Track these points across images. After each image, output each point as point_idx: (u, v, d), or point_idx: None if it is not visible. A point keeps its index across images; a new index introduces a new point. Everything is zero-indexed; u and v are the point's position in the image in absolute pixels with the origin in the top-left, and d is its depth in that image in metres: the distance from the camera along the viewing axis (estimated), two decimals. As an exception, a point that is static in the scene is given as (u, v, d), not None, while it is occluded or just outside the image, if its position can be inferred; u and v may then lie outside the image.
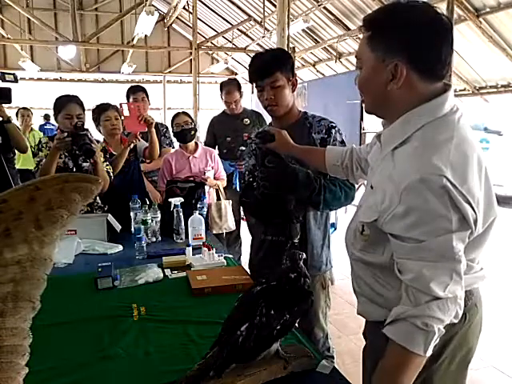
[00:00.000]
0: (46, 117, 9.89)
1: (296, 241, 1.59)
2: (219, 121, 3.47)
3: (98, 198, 2.37)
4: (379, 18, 0.98)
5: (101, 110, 2.66)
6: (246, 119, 3.35)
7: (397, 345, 0.89)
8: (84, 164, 2.32)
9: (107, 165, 2.39)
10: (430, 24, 0.92)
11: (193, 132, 2.83)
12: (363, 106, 1.09)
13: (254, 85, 1.69)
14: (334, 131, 1.68)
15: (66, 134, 2.13)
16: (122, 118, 2.71)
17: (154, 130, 2.77)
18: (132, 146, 2.63)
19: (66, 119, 2.25)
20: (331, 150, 1.44)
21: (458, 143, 0.90)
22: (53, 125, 9.53)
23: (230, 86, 3.34)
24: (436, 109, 0.94)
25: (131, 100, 3.17)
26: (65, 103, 2.28)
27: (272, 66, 1.62)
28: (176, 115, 2.88)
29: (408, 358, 0.88)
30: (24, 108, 5.62)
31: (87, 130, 2.19)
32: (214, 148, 3.38)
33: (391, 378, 0.91)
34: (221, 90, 3.37)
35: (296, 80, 1.69)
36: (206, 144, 3.44)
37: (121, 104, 2.75)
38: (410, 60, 0.92)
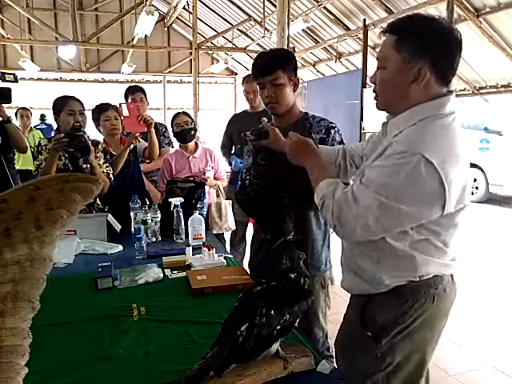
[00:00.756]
0: (42, 117, 9.90)
1: (290, 237, 1.58)
2: (237, 118, 3.44)
3: (98, 199, 2.37)
4: (406, 24, 1.10)
5: (100, 110, 2.66)
6: (264, 118, 3.33)
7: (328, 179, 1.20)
8: (84, 165, 2.32)
9: (107, 166, 2.39)
10: (449, 34, 1.07)
11: (193, 132, 2.83)
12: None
13: (256, 82, 1.70)
14: (333, 131, 1.69)
15: (62, 134, 2.13)
16: (122, 117, 2.71)
17: (153, 130, 2.77)
18: (132, 146, 2.63)
19: (69, 115, 2.25)
20: (324, 148, 1.49)
21: (449, 135, 1.06)
22: (46, 124, 9.53)
23: (250, 77, 3.36)
24: (440, 106, 1.08)
25: (129, 100, 3.17)
26: (66, 101, 2.30)
27: (274, 64, 1.63)
28: (176, 115, 2.88)
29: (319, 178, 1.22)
30: (23, 108, 5.59)
31: (84, 131, 2.20)
32: (231, 148, 3.36)
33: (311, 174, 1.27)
34: (242, 83, 3.37)
35: (298, 80, 1.70)
36: (222, 145, 3.43)
37: (120, 104, 2.75)
38: (433, 64, 1.06)
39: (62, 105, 2.29)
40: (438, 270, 1.13)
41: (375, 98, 1.18)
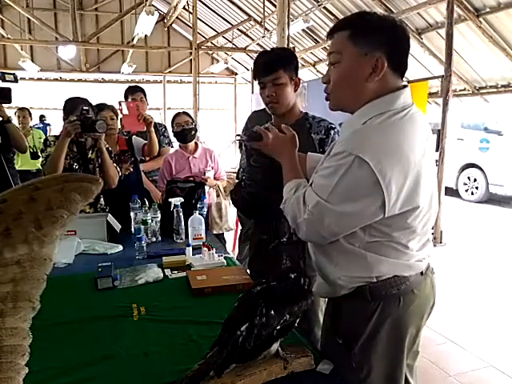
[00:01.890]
0: (41, 117, 9.91)
1: (284, 240, 1.56)
2: (256, 116, 3.45)
3: (102, 199, 2.38)
4: (358, 19, 1.10)
5: (96, 111, 2.65)
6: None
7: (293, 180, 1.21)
8: (91, 166, 2.34)
9: (113, 162, 2.40)
10: (400, 29, 1.07)
11: (193, 132, 2.84)
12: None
13: (257, 81, 1.70)
14: (332, 132, 1.69)
15: (75, 117, 2.16)
16: (120, 116, 2.71)
17: (152, 129, 2.76)
18: (127, 173, 2.62)
19: (84, 107, 2.26)
20: (313, 155, 1.45)
21: (394, 133, 1.02)
22: (44, 123, 9.56)
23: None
24: (390, 102, 1.06)
25: (130, 100, 3.17)
26: (77, 104, 2.31)
27: (275, 64, 1.63)
28: (177, 115, 2.88)
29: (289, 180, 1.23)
30: (21, 108, 5.44)
31: (92, 116, 2.23)
32: None
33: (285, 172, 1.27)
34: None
35: (299, 80, 1.69)
36: (239, 144, 3.44)
37: (120, 102, 2.74)
38: (389, 56, 1.05)
39: (72, 107, 2.30)
40: (395, 271, 1.08)
41: (327, 99, 1.14)
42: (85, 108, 2.19)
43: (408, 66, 1.10)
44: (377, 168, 0.96)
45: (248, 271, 1.79)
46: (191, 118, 2.89)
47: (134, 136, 2.81)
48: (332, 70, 1.11)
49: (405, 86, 1.09)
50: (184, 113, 2.91)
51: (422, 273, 1.13)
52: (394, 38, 1.06)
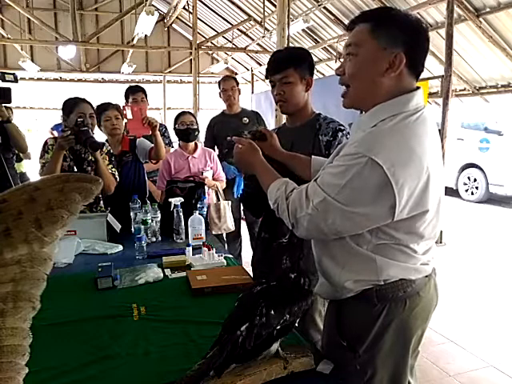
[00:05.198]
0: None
1: (284, 240, 1.55)
2: (219, 121, 3.47)
3: (101, 202, 2.38)
4: (380, 13, 1.09)
5: (101, 111, 2.65)
6: (245, 118, 3.36)
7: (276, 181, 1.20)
8: (88, 168, 2.33)
9: (113, 166, 2.40)
10: (423, 29, 1.06)
11: (196, 133, 2.86)
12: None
13: (268, 80, 1.69)
14: (340, 134, 1.65)
15: (68, 132, 2.15)
16: (125, 120, 2.70)
17: (158, 132, 2.75)
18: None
19: (79, 118, 2.26)
20: (318, 158, 1.44)
21: (405, 137, 1.00)
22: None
23: (225, 77, 3.48)
24: (403, 104, 1.04)
25: (130, 100, 3.17)
26: (77, 103, 2.31)
27: (285, 62, 1.62)
28: (182, 113, 2.89)
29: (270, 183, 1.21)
30: None
31: (88, 127, 2.21)
32: (213, 149, 3.38)
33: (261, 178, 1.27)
34: (219, 85, 3.40)
35: (311, 80, 1.68)
36: (205, 145, 3.44)
37: (124, 107, 2.73)
38: (408, 53, 1.02)
39: (72, 106, 2.30)
40: (403, 274, 1.08)
41: (343, 96, 1.12)
42: (79, 120, 2.17)
43: (423, 67, 1.08)
44: (390, 171, 0.94)
45: (251, 269, 1.78)
46: (195, 118, 2.90)
47: (141, 138, 2.79)
48: (348, 61, 1.09)
49: (418, 88, 1.07)
50: (189, 112, 2.93)
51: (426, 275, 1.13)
52: (415, 36, 1.04)
